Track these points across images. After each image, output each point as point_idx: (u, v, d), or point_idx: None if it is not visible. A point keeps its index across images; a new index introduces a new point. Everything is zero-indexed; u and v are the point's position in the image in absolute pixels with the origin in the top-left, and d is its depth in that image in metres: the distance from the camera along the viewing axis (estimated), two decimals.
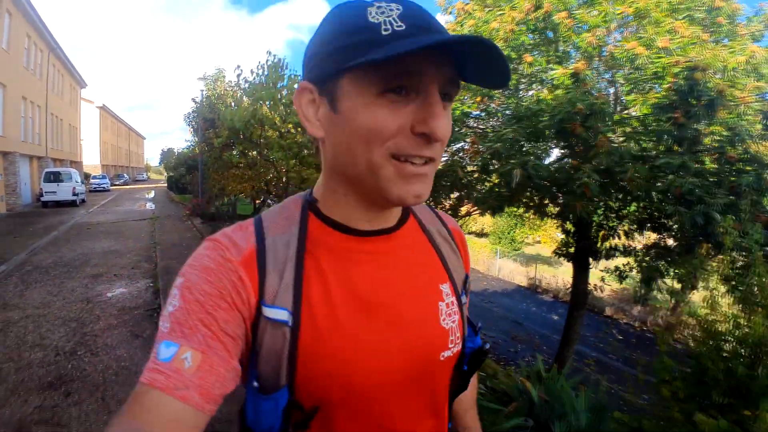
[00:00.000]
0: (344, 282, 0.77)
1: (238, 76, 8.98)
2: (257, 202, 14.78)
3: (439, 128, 0.67)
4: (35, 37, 25.50)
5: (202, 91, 17.11)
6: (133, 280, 8.25)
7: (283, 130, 7.52)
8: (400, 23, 0.64)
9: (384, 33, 0.64)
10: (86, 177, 33.49)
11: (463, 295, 0.95)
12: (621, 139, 5.54)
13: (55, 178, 22.65)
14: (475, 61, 0.67)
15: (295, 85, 8.47)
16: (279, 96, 7.61)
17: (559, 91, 5.50)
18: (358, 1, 0.69)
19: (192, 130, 19.46)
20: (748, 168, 4.78)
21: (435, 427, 0.88)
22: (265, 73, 8.11)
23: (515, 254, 24.45)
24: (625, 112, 5.96)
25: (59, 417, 3.77)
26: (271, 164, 8.03)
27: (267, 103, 7.48)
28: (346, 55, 0.66)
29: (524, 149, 5.66)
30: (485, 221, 30.91)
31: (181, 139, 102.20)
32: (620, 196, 5.57)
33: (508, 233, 27.05)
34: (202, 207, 17.99)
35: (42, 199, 22.49)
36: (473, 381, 1.13)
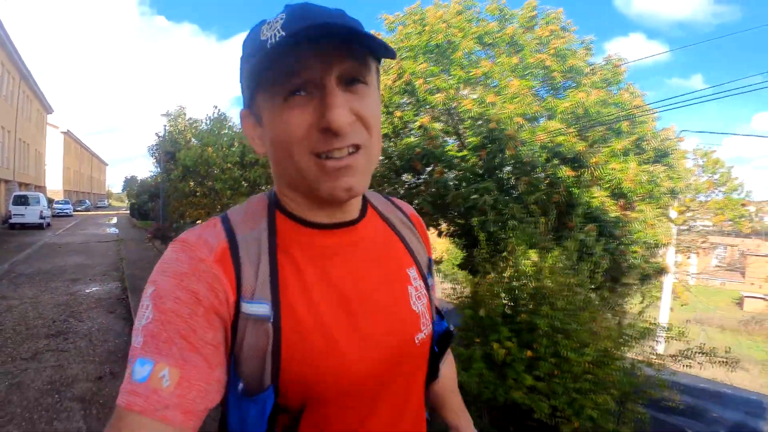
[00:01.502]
0: (320, 276, 0.80)
1: (191, 125, 11.70)
2: None
3: (336, 118, 0.69)
4: (8, 65, 27.83)
5: (165, 126, 19.60)
6: (105, 282, 10.60)
7: (224, 167, 10.08)
8: (281, 32, 0.69)
9: (269, 47, 0.69)
10: (49, 202, 35.21)
11: (429, 278, 1.00)
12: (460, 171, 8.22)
13: (23, 201, 24.69)
14: (356, 43, 0.71)
15: (232, 128, 11.29)
16: (221, 142, 10.26)
17: (414, 138, 8.19)
18: (260, 22, 0.77)
19: (155, 161, 21.92)
20: (541, 188, 7.46)
21: (416, 411, 0.94)
22: (210, 123, 11.01)
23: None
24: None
25: (61, 348, 6.17)
26: (215, 194, 10.60)
27: (212, 146, 10.16)
28: (249, 80, 0.76)
29: (392, 181, 8.35)
30: (442, 249, 33.38)
31: (144, 165, 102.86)
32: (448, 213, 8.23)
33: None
34: (163, 231, 20.31)
35: (10, 221, 24.44)
36: (452, 363, 1.21)
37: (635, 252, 8.95)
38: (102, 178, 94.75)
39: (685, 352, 5.31)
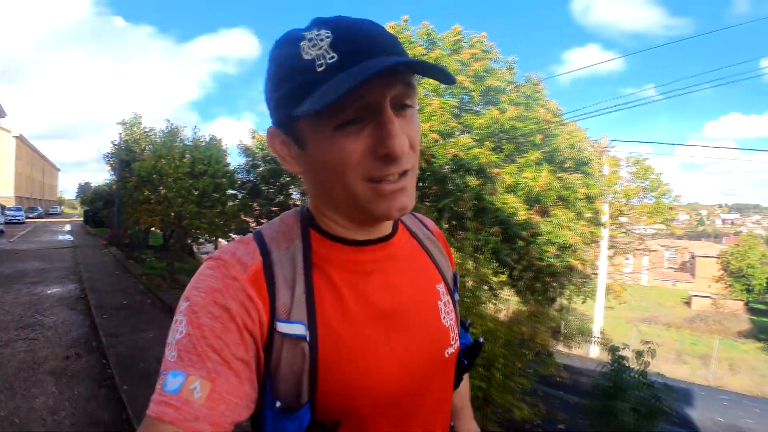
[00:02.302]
0: (355, 293, 0.83)
1: (145, 134, 12.94)
2: (166, 233, 18.30)
3: (396, 146, 0.71)
4: None
5: (120, 134, 20.60)
6: (64, 284, 11.58)
7: (176, 177, 11.20)
8: (332, 54, 0.69)
9: (319, 70, 0.69)
10: (1, 208, 34.86)
11: (455, 293, 1.05)
12: None
13: None
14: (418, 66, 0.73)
15: (184, 140, 12.49)
16: (173, 154, 11.47)
17: None
18: (293, 34, 0.75)
19: (110, 168, 22.75)
20: (446, 198, 8.78)
21: (445, 421, 0.99)
22: (163, 135, 12.30)
23: None
24: None
25: (30, 337, 7.20)
26: (168, 201, 11.71)
27: (165, 158, 11.32)
28: (292, 101, 0.73)
29: None
30: None
31: (97, 170, 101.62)
32: None
33: None
34: (118, 237, 21.20)
35: None
36: (466, 377, 1.24)
37: (547, 251, 10.29)
38: (54, 184, 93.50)
39: (566, 334, 6.65)
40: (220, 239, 13.35)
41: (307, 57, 0.70)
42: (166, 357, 0.71)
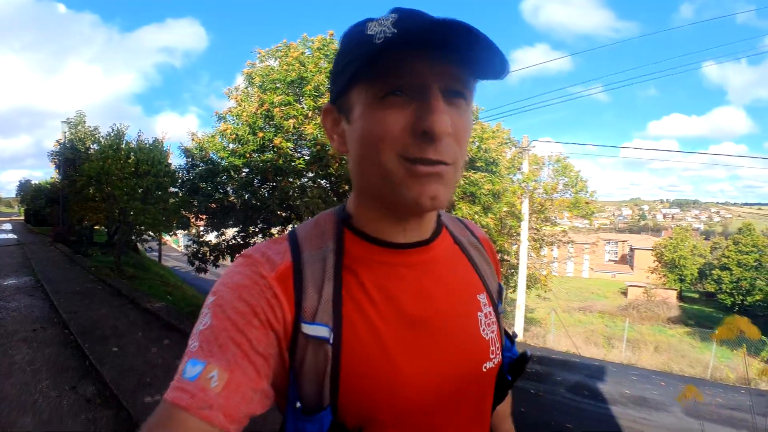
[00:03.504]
0: (385, 296, 0.83)
1: (91, 132, 14.31)
2: (111, 230, 19.45)
3: (437, 123, 0.70)
4: None
5: (65, 133, 21.61)
6: (19, 276, 12.85)
7: (122, 177, 12.51)
8: (392, 30, 0.70)
9: (377, 42, 0.70)
10: None
11: (499, 305, 1.03)
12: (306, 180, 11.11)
13: None
14: (471, 53, 0.71)
15: (129, 142, 13.97)
16: (119, 155, 12.91)
17: (272, 154, 10.91)
18: (366, 19, 0.78)
19: (55, 166, 23.59)
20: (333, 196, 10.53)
21: None
22: (110, 138, 13.71)
23: None
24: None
25: None
26: (113, 198, 13.00)
27: (111, 159, 12.65)
28: (347, 71, 0.75)
29: (254, 188, 11.10)
30: None
31: (36, 167, 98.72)
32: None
33: None
34: (64, 234, 22.17)
35: None
36: (509, 394, 1.19)
37: None
38: None
39: None
40: (163, 235, 14.65)
41: (369, 33, 0.73)
42: (189, 347, 0.74)
